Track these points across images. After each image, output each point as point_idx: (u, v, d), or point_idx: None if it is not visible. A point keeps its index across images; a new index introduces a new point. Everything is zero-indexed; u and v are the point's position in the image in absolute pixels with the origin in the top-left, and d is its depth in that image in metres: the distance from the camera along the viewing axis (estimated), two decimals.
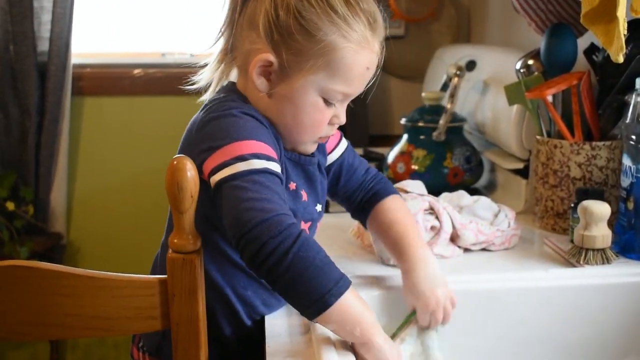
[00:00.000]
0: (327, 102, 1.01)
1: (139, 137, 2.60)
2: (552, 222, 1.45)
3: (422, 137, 1.74)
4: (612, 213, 1.30)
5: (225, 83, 1.08)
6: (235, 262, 1.02)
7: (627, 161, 1.27)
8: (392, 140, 1.86)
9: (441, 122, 1.69)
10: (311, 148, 1.07)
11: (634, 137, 1.26)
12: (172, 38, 2.64)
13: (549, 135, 1.48)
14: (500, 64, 1.79)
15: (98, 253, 2.59)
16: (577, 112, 1.42)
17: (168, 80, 2.60)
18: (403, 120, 1.78)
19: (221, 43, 1.05)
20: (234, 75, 1.08)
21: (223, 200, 0.92)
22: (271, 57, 0.97)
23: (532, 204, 1.55)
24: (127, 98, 2.60)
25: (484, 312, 1.15)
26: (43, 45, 2.39)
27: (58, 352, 2.60)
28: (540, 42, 1.51)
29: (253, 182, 0.91)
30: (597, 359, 1.21)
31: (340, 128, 2.48)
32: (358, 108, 2.48)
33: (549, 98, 1.42)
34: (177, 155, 0.91)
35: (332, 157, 1.16)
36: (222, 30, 1.04)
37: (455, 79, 1.77)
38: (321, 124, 1.02)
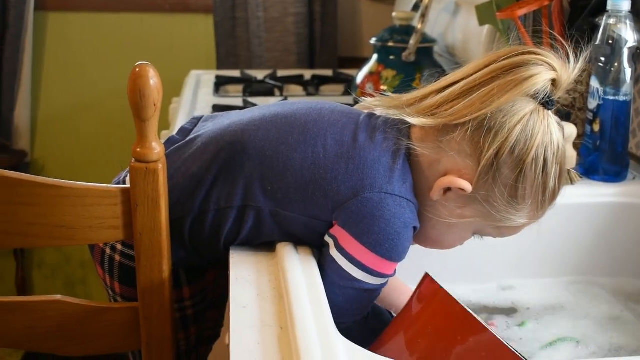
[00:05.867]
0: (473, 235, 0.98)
1: (106, 54, 2.55)
2: None
3: (391, 57, 1.72)
4: (579, 136, 1.31)
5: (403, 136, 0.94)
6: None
7: (594, 83, 1.27)
8: (361, 63, 1.85)
9: (411, 42, 1.67)
10: None
11: (602, 59, 1.26)
12: None
13: None
14: None
15: (63, 171, 2.57)
16: (547, 33, 1.41)
17: None
18: (373, 40, 1.76)
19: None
20: None
21: (327, 268, 0.92)
22: (469, 189, 0.90)
23: None
24: (93, 14, 2.54)
25: None
26: None
27: (24, 269, 2.60)
28: None
29: (356, 297, 0.93)
30: (559, 276, 1.24)
31: (309, 50, 2.47)
32: (328, 29, 2.47)
33: (520, 19, 1.41)
34: (139, 62, 0.88)
35: None
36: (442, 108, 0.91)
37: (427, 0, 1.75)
38: (453, 247, 1.00)
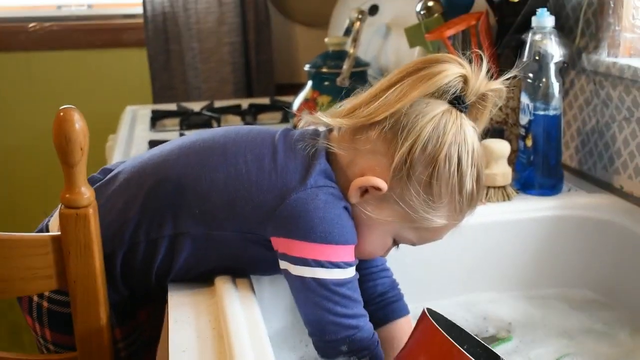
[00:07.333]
0: (395, 243, 0.98)
1: (38, 94, 2.50)
2: None
3: (326, 83, 1.72)
4: (513, 151, 1.32)
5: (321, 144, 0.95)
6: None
7: (525, 99, 1.29)
8: (298, 89, 1.85)
9: (345, 67, 1.67)
10: None
11: (531, 75, 1.28)
12: None
13: None
14: (402, 8, 1.79)
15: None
16: (476, 51, 1.43)
17: (66, 34, 2.50)
18: (307, 67, 1.76)
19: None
20: None
21: (302, 294, 0.90)
22: (384, 187, 0.90)
23: None
24: (23, 53, 2.49)
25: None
26: None
27: None
28: None
29: (343, 296, 0.90)
30: (501, 289, 1.25)
31: (246, 79, 2.46)
32: (263, 57, 2.46)
33: (449, 39, 1.42)
34: (64, 106, 0.87)
35: None
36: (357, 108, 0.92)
37: (358, 24, 1.76)
38: (375, 257, 1.01)
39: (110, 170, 1.04)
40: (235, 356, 0.76)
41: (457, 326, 0.90)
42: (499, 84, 0.93)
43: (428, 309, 0.87)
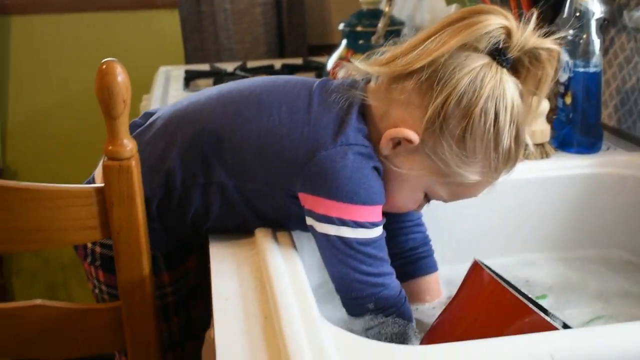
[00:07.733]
0: (427, 197, 0.96)
1: (72, 55, 2.52)
2: None
3: (361, 41, 1.72)
4: (552, 109, 1.31)
5: (357, 95, 0.93)
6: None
7: (564, 56, 1.28)
8: (331, 49, 1.84)
9: (380, 25, 1.67)
10: None
11: (571, 31, 1.26)
12: None
13: None
14: None
15: (36, 177, 2.54)
16: (515, 9, 1.41)
17: None
18: (341, 26, 1.75)
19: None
20: None
21: (327, 251, 0.91)
22: (416, 139, 0.89)
23: None
24: (56, 15, 2.50)
25: (424, 210, 1.16)
26: None
27: (3, 276, 2.57)
28: None
29: (368, 255, 0.90)
30: (538, 249, 1.24)
31: (279, 40, 2.45)
32: (296, 18, 2.45)
33: None
34: (106, 59, 0.87)
35: None
36: (396, 57, 0.90)
37: None
38: (407, 210, 0.99)
39: (151, 115, 1.06)
40: (278, 304, 0.77)
41: (505, 279, 0.91)
42: (550, 43, 0.89)
43: (477, 259, 0.87)
